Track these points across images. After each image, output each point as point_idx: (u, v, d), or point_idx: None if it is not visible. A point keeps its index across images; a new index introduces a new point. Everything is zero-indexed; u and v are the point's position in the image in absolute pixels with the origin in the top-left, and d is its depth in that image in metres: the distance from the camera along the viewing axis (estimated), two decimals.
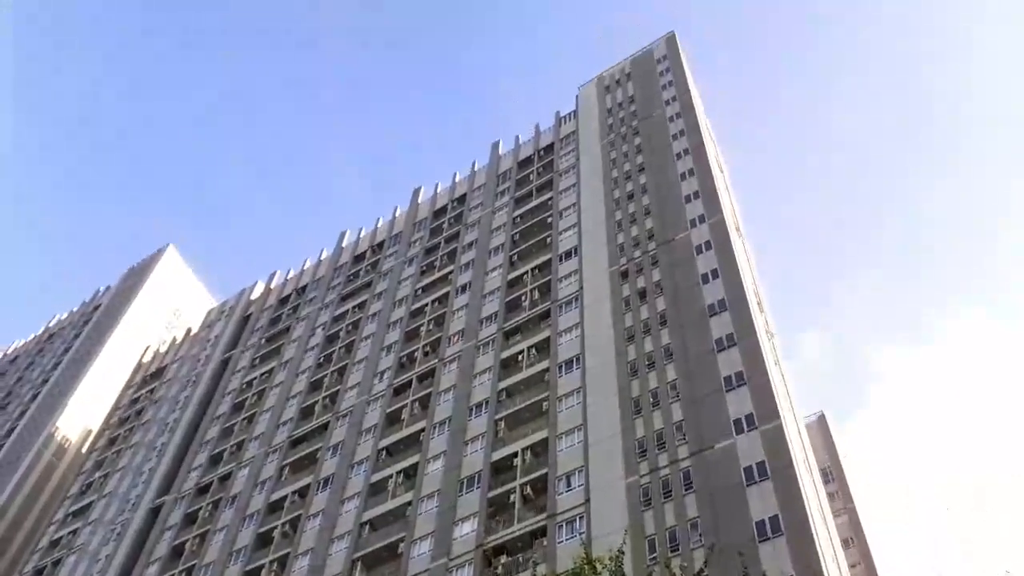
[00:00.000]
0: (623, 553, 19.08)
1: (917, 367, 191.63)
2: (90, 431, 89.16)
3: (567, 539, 41.63)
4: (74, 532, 70.84)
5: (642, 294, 53.48)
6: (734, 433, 40.78)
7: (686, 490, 39.91)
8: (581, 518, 42.06)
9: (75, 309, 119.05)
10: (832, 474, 62.78)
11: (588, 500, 42.48)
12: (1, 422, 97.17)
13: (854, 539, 58.48)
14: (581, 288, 57.21)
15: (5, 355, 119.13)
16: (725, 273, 50.54)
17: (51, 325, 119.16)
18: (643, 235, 58.40)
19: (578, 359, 51.80)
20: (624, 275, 55.99)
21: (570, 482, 44.67)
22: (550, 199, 69.58)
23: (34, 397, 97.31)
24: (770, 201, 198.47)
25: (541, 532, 43.37)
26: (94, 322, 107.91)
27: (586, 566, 18.28)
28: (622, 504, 41.09)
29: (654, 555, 37.81)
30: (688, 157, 62.74)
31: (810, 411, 67.70)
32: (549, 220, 67.16)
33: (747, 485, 37.90)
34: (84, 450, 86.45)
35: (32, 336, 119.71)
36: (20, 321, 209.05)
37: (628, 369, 48.52)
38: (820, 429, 66.82)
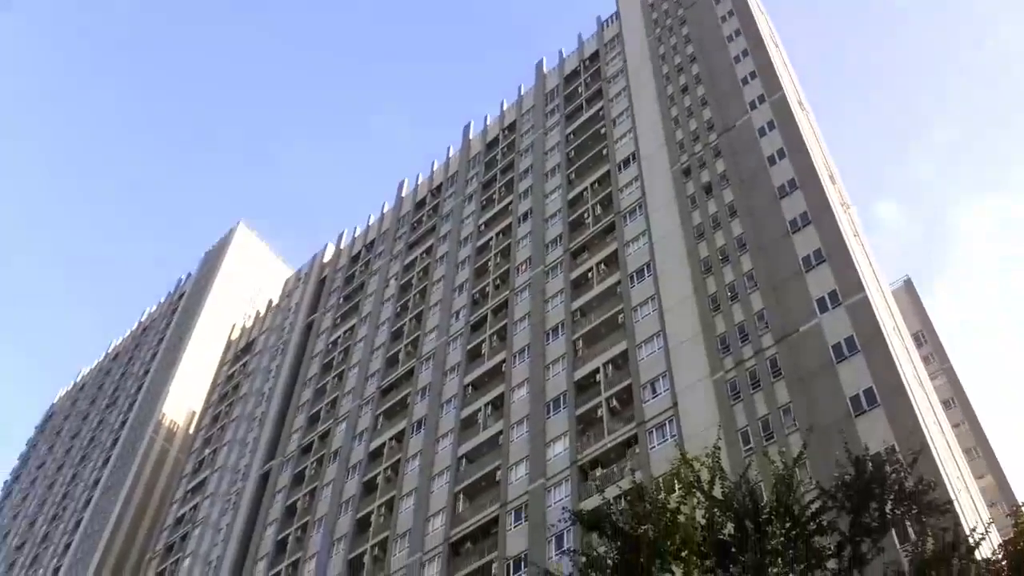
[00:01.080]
0: (719, 449, 19.40)
1: (1003, 223, 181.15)
2: (194, 412, 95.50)
3: (659, 444, 42.49)
4: (194, 507, 76.81)
5: (707, 188, 52.78)
6: (818, 312, 40.34)
7: (774, 378, 39.94)
8: (671, 422, 42.78)
9: (162, 300, 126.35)
10: (925, 337, 60.90)
11: (675, 403, 43.09)
12: (114, 416, 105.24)
13: (955, 399, 56.99)
14: (644, 194, 56.79)
15: (107, 354, 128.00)
16: (792, 151, 49.25)
17: (143, 320, 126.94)
18: (702, 127, 57.23)
19: (649, 266, 51.87)
20: (687, 172, 55.25)
21: (655, 388, 45.33)
22: (601, 109, 68.69)
23: (138, 389, 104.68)
24: (830, 69, 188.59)
25: (632, 441, 44.38)
26: (181, 309, 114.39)
27: (683, 467, 18.58)
28: (711, 401, 41.54)
29: (749, 447, 38.19)
30: (740, 38, 60.62)
31: (895, 280, 65.68)
32: (603, 131, 66.45)
33: (837, 362, 37.64)
34: (191, 431, 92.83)
35: (128, 332, 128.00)
36: (115, 320, 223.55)
37: (701, 267, 48.37)
38: (908, 294, 64.72)
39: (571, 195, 63.58)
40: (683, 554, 17.35)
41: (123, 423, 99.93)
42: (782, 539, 17.92)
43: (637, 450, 43.52)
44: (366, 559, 53.31)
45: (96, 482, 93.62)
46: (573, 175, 65.53)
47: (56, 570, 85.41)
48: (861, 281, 39.87)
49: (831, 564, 18.29)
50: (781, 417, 38.15)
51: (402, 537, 51.89)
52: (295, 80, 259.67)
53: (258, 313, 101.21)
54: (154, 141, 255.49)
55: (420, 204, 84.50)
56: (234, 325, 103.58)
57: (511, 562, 43.86)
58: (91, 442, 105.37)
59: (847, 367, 37.12)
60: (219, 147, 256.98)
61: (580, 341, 52.44)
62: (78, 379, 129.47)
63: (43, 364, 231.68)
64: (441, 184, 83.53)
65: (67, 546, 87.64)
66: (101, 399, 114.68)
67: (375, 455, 60.69)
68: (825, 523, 18.61)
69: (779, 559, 17.92)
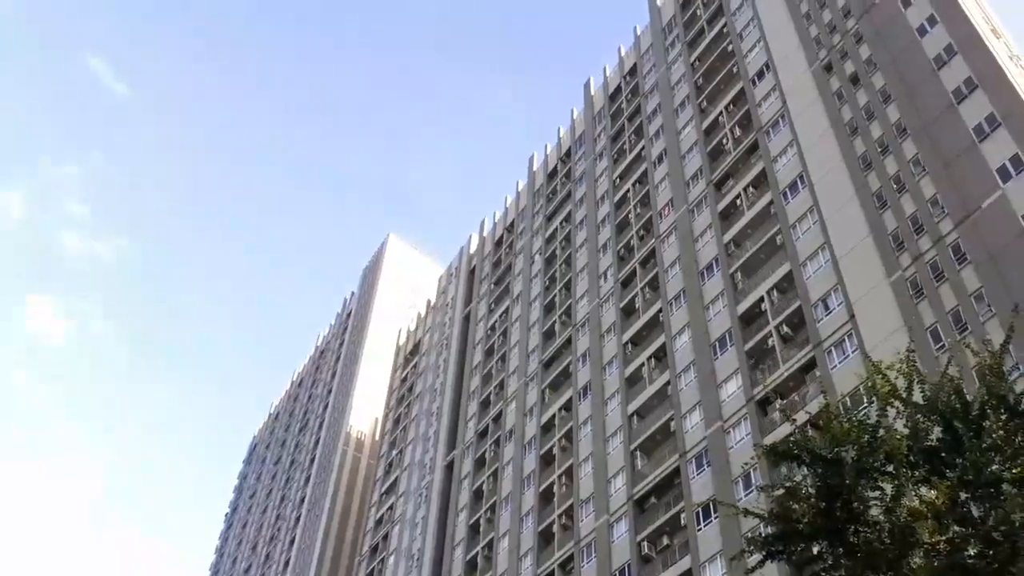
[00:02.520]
0: (913, 352, 18.12)
1: None
2: (377, 419, 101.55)
3: (840, 362, 40.32)
4: (391, 507, 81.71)
5: (854, 79, 49.35)
6: (1001, 182, 36.78)
7: (960, 264, 36.81)
8: (850, 336, 40.51)
9: (332, 323, 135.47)
10: None
11: (852, 316, 40.74)
12: (307, 437, 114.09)
13: None
14: (784, 102, 53.92)
15: (292, 382, 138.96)
16: (943, 15, 45.02)
17: (319, 344, 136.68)
18: (837, 16, 53.49)
19: (802, 177, 49.26)
20: (828, 68, 51.91)
21: (828, 305, 43.04)
22: (724, 25, 65.76)
23: (325, 408, 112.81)
24: None
25: (810, 365, 42.37)
26: (350, 327, 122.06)
27: (878, 377, 17.59)
28: (891, 306, 38.96)
29: (940, 344, 35.42)
30: None
31: None
32: (729, 48, 63.61)
33: None
34: (377, 437, 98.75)
35: (308, 358, 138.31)
36: (295, 349, 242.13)
37: (860, 164, 45.39)
38: None
39: (705, 124, 61.46)
40: (890, 468, 16.38)
41: (316, 442, 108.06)
42: (1001, 432, 16.46)
43: (818, 373, 41.49)
44: (555, 529, 54.47)
45: (302, 500, 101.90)
46: (704, 102, 63.32)
47: None
48: None
49: None
50: (974, 305, 35.07)
51: (586, 502, 52.53)
52: (403, 81, 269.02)
53: (419, 315, 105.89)
54: (279, 169, 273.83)
55: (552, 174, 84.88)
56: (400, 331, 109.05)
57: (700, 510, 43.16)
58: (292, 464, 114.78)
59: None
60: (348, 162, 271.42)
61: (738, 273, 50.70)
62: (271, 410, 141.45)
63: (242, 403, 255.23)
64: (570, 148, 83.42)
65: (286, 562, 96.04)
66: (294, 424, 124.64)
67: (547, 428, 61.82)
68: None
69: (999, 455, 16.48)
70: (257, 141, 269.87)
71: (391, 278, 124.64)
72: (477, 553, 62.26)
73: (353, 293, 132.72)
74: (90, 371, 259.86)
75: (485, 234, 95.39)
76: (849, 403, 35.73)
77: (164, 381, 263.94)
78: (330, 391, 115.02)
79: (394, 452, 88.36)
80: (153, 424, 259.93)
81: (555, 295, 71.00)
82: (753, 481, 40.40)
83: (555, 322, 68.72)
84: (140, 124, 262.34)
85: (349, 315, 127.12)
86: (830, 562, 16.42)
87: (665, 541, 45.93)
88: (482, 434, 71.59)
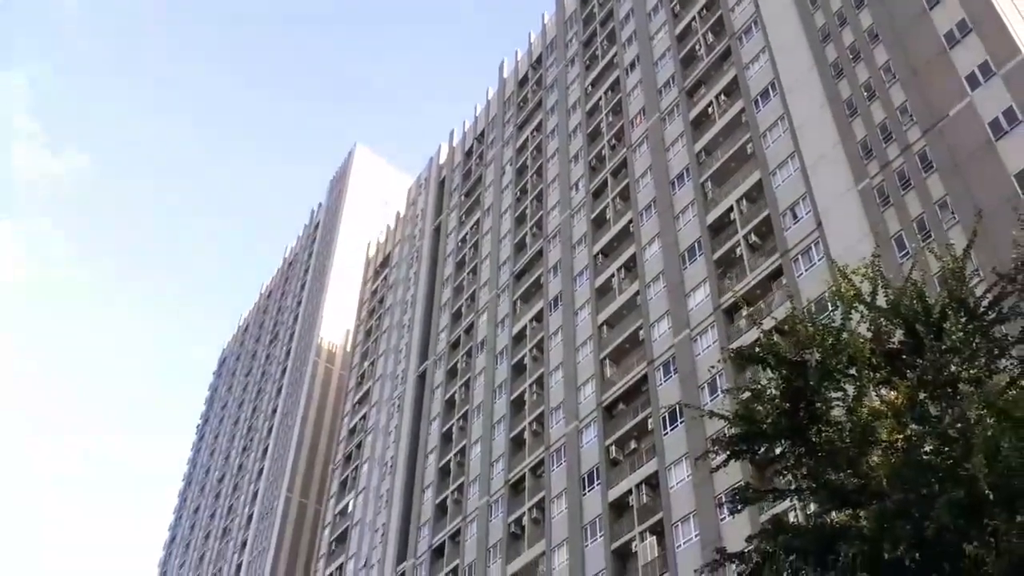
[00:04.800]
0: (879, 256, 18.31)
1: None
2: (348, 331, 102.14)
3: (807, 270, 41.19)
4: (363, 417, 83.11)
5: None
6: (969, 90, 36.92)
7: (926, 172, 37.32)
8: (816, 244, 41.29)
9: (300, 234, 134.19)
10: None
11: (820, 224, 41.38)
12: (278, 349, 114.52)
13: None
14: (758, 7, 53.07)
15: (261, 294, 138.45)
16: None
17: (287, 256, 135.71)
18: None
19: (773, 85, 49.04)
20: None
21: (796, 213, 43.63)
22: None
23: (295, 320, 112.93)
24: None
25: (777, 273, 43.21)
26: (319, 239, 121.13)
27: (843, 282, 17.76)
28: (858, 214, 39.65)
29: (904, 251, 36.24)
30: None
31: None
32: None
33: (996, 139, 34.58)
34: (348, 349, 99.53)
35: (276, 270, 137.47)
36: (263, 263, 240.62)
37: (832, 71, 45.20)
38: None
39: (679, 29, 60.42)
40: (853, 371, 16.84)
41: (287, 353, 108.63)
42: (960, 334, 16.92)
43: (784, 281, 42.36)
44: (526, 435, 55.98)
45: (274, 410, 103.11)
46: (678, 6, 62.06)
47: (254, 494, 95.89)
48: (1017, 44, 35.77)
49: (1016, 352, 17.05)
50: (938, 213, 35.80)
51: (556, 410, 53.91)
52: None
53: (389, 227, 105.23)
54: (246, 83, 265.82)
55: (523, 81, 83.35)
56: (369, 243, 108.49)
57: (666, 415, 44.57)
58: (263, 376, 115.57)
59: (1007, 143, 34.00)
60: (313, 69, 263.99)
61: (709, 182, 50.93)
62: (241, 322, 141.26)
63: (210, 316, 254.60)
64: (541, 55, 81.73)
65: (260, 471, 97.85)
66: (264, 336, 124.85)
67: (519, 338, 62.71)
68: (1006, 309, 17.25)
69: (957, 356, 16.96)
70: (217, 47, 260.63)
71: (359, 189, 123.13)
72: (450, 459, 63.97)
73: (320, 204, 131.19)
74: (49, 293, 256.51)
75: (455, 144, 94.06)
76: (814, 309, 36.72)
77: (127, 301, 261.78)
78: (300, 303, 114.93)
79: (366, 363, 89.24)
80: (118, 343, 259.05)
81: (526, 206, 70.86)
82: (719, 387, 41.64)
83: (526, 234, 68.83)
84: (90, 33, 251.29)
85: (317, 226, 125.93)
86: (792, 461, 16.92)
87: (633, 445, 47.52)
88: (454, 345, 72.45)
